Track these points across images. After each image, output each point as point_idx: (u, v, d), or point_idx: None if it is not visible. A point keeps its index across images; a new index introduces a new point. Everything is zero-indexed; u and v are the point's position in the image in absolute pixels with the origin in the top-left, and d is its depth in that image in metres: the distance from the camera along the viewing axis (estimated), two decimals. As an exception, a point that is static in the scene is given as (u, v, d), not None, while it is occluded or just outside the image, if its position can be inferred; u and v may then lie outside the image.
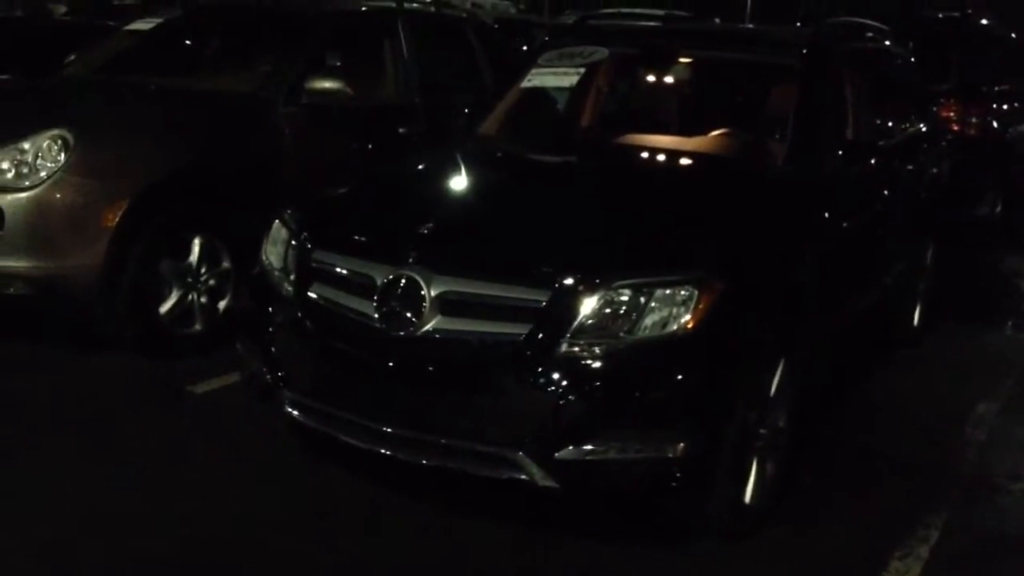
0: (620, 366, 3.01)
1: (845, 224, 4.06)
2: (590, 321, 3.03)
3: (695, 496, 3.20)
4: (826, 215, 3.92)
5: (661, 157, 4.16)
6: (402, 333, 3.17)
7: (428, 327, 3.14)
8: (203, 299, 5.04)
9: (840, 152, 4.01)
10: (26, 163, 4.54)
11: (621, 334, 3.02)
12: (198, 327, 5.03)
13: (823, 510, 3.71)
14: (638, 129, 4.53)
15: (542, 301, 3.05)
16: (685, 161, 4.16)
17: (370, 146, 5.79)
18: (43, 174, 4.51)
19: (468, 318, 3.14)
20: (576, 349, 3.01)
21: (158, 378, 4.65)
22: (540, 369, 3.02)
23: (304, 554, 3.23)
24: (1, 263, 4.50)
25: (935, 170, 5.73)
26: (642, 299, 3.03)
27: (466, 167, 4.10)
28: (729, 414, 3.13)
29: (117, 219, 4.60)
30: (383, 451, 3.23)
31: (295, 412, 3.47)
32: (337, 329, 3.35)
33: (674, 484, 3.07)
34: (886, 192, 4.65)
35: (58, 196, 4.52)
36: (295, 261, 3.54)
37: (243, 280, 5.01)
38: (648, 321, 3.03)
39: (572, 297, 3.03)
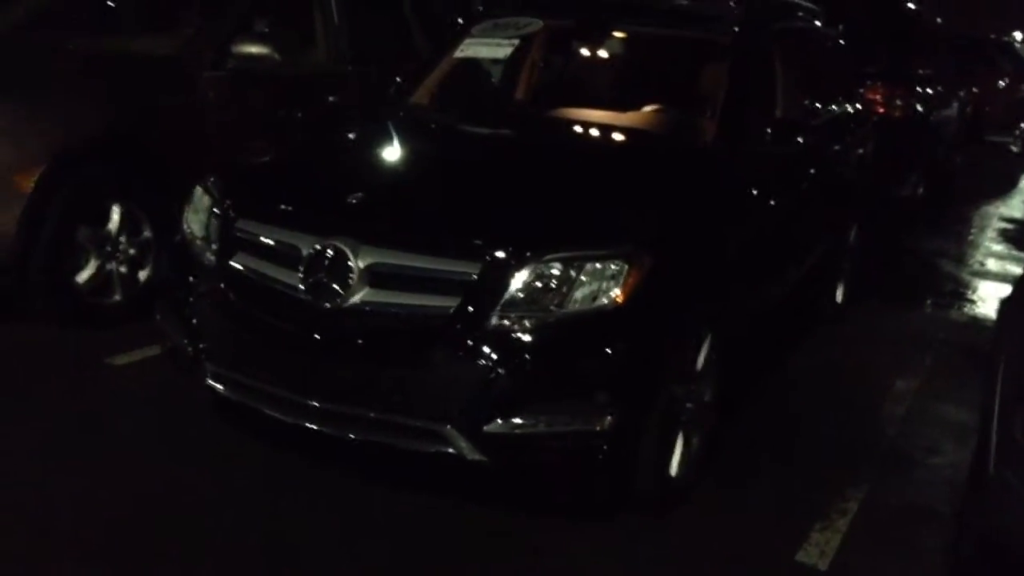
0: (549, 340, 2.99)
1: (772, 202, 4.09)
2: (520, 295, 3.00)
3: (622, 469, 3.21)
4: (754, 192, 3.94)
5: (593, 131, 4.13)
6: (328, 305, 3.11)
7: (355, 299, 3.09)
8: (122, 268, 4.90)
9: (769, 130, 4.03)
10: (-66, 124, 4.35)
11: (551, 308, 3.00)
12: (117, 297, 4.89)
13: (745, 484, 3.76)
14: (571, 103, 4.49)
15: (472, 274, 3.01)
16: (617, 136, 4.13)
17: (298, 114, 5.68)
18: (-49, 134, 4.33)
19: (396, 290, 3.09)
20: (506, 322, 2.99)
21: (74, 349, 4.52)
22: (469, 342, 2.98)
23: (229, 532, 3.16)
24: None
25: (861, 151, 5.80)
26: (572, 273, 3.01)
27: (397, 137, 4.02)
28: (656, 388, 3.14)
29: (32, 184, 4.44)
30: (309, 425, 3.17)
31: (218, 385, 3.39)
32: (261, 300, 3.27)
33: (601, 457, 3.06)
34: (813, 171, 4.69)
35: (-34, 159, 4.35)
36: (218, 230, 3.44)
37: (164, 249, 4.91)
38: (578, 295, 3.02)
39: (502, 270, 3.00)
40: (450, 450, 3.02)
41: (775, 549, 3.31)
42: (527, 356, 2.98)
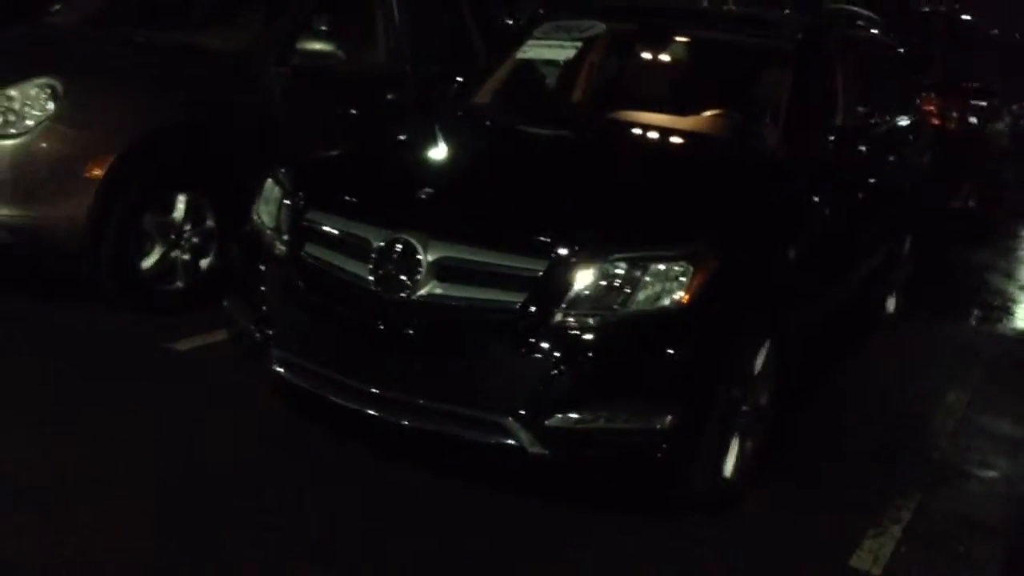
0: (613, 338, 3.05)
1: (833, 209, 4.11)
2: (585, 293, 3.06)
3: (679, 468, 3.25)
4: (815, 199, 3.97)
5: (655, 134, 4.18)
6: (396, 297, 3.18)
7: (423, 292, 3.16)
8: (186, 256, 5.02)
9: (831, 137, 4.05)
10: (13, 111, 4.48)
11: (615, 306, 3.06)
12: (180, 284, 5.01)
13: (797, 488, 3.78)
14: (631, 106, 4.53)
15: (539, 271, 3.07)
16: (680, 139, 4.18)
17: (355, 111, 5.78)
18: (30, 122, 4.45)
19: (464, 284, 3.16)
20: (570, 320, 3.04)
21: (139, 335, 4.62)
22: (534, 338, 3.04)
23: (297, 514, 3.23)
24: (-14, 210, 4.46)
25: (918, 161, 5.80)
26: (637, 273, 3.06)
27: (462, 135, 4.10)
28: (715, 390, 3.18)
29: (104, 172, 4.55)
30: (372, 413, 3.24)
31: (283, 370, 3.48)
32: (330, 290, 3.35)
33: (659, 455, 3.11)
34: (872, 180, 4.71)
35: (45, 145, 4.46)
36: (288, 220, 3.53)
37: (228, 239, 5.01)
38: (642, 295, 3.07)
39: (568, 268, 3.06)
40: (511, 442, 3.08)
41: (828, 553, 3.34)
42: (590, 353, 3.03)
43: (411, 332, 3.17)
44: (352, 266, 3.31)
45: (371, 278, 3.23)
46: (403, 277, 3.17)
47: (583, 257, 3.07)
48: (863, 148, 4.18)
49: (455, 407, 3.14)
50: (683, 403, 3.07)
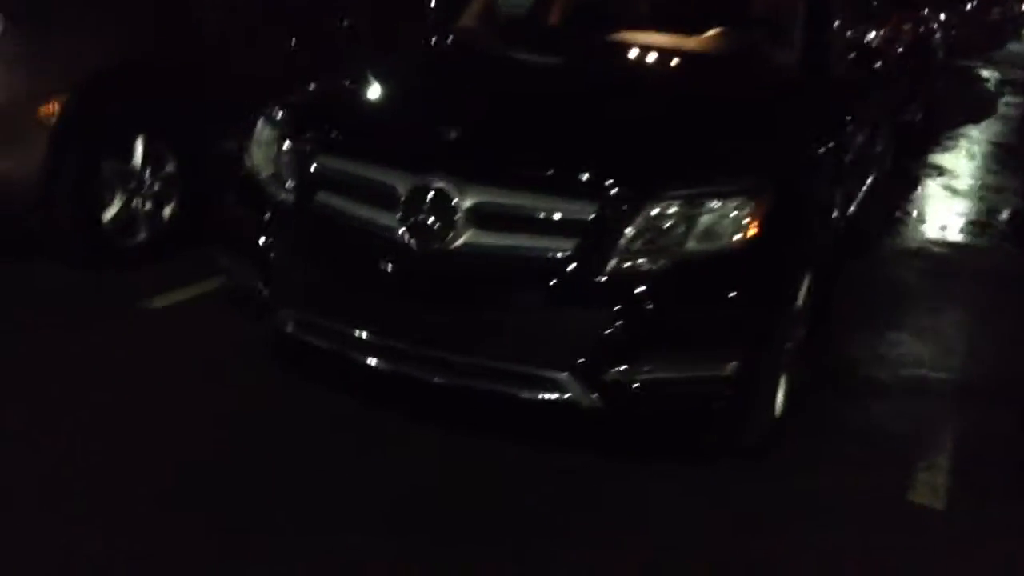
0: (671, 283, 2.83)
1: (852, 131, 3.94)
2: (641, 235, 2.83)
3: (739, 414, 3.09)
4: (841, 122, 3.79)
5: (675, 58, 3.92)
6: (431, 248, 2.90)
7: (460, 241, 2.89)
8: (148, 205, 4.62)
9: (852, 55, 3.86)
10: (-55, 47, 3.99)
11: (672, 249, 2.84)
12: (143, 236, 4.62)
13: (828, 427, 3.64)
14: (624, 25, 4.26)
15: (590, 214, 2.83)
16: (701, 62, 3.93)
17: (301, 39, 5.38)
18: (-35, 62, 3.98)
19: (505, 232, 2.89)
20: (626, 265, 2.82)
21: (107, 293, 4.24)
22: (587, 287, 2.81)
23: (296, 482, 2.97)
24: (-76, 165, 3.99)
25: (898, 77, 5.69)
26: (694, 211, 2.85)
27: (465, 67, 3.79)
28: (777, 330, 3.02)
29: (56, 115, 4.12)
30: (409, 373, 2.99)
31: (298, 330, 3.19)
32: (349, 241, 3.06)
33: (723, 403, 2.94)
34: (878, 98, 4.56)
35: (-13, 86, 4.00)
36: (293, 166, 3.20)
37: (192, 183, 4.64)
38: (699, 235, 2.85)
39: (622, 209, 2.82)
40: (566, 397, 2.87)
41: (885, 492, 3.22)
42: (648, 301, 2.81)
43: (449, 285, 2.91)
44: (376, 215, 3.01)
45: (400, 228, 2.94)
46: (438, 226, 2.89)
47: (637, 197, 2.83)
48: (878, 66, 4.00)
49: (502, 363, 2.90)
50: (746, 347, 2.89)
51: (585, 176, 2.90)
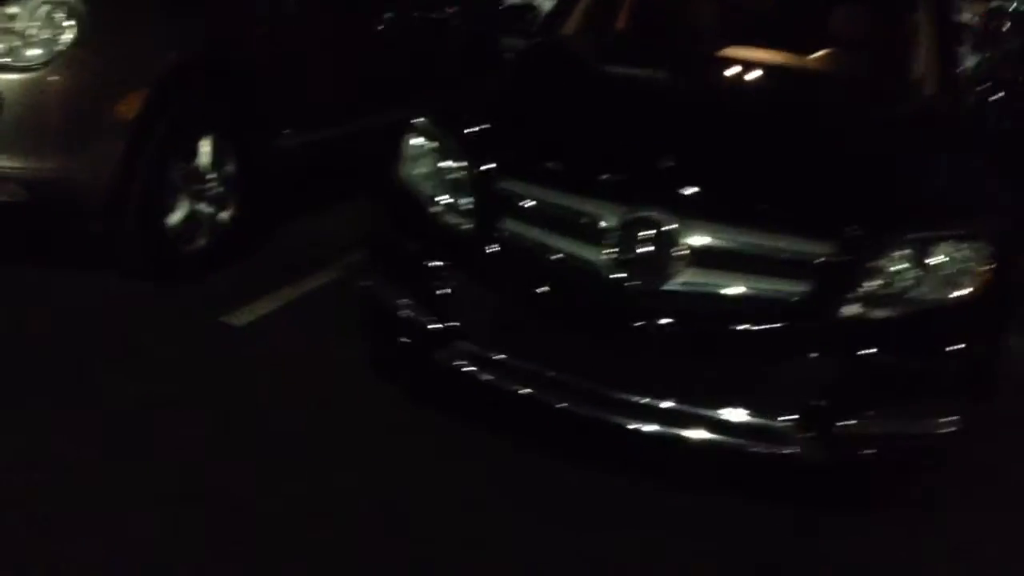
0: (907, 329, 2.69)
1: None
2: (877, 279, 2.68)
3: (943, 464, 2.99)
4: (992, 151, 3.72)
5: (831, 81, 3.78)
6: (646, 286, 2.70)
7: (678, 280, 2.69)
8: (210, 209, 4.25)
9: (987, 84, 3.80)
10: (17, 34, 3.54)
11: (908, 295, 2.70)
12: (202, 242, 4.24)
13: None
14: (733, 39, 4.09)
15: (823, 256, 2.67)
16: (856, 87, 3.80)
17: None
18: (39, 51, 3.53)
19: (728, 272, 2.70)
20: (861, 310, 2.67)
21: (181, 310, 3.87)
22: (820, 333, 2.66)
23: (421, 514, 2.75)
24: (-6, 162, 3.53)
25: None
26: (931, 255, 2.72)
27: (621, 82, 3.56)
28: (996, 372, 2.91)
29: (136, 111, 3.72)
30: (611, 419, 2.77)
31: (473, 368, 2.92)
32: (547, 276, 2.81)
33: (940, 456, 2.84)
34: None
35: (63, 79, 3.55)
36: (470, 189, 2.94)
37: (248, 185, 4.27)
38: (934, 280, 2.72)
39: (858, 252, 2.66)
40: (789, 450, 2.71)
41: None
42: (883, 348, 2.67)
43: (664, 328, 2.69)
44: (577, 248, 2.78)
45: (608, 264, 2.73)
46: (653, 264, 2.69)
47: (878, 239, 2.68)
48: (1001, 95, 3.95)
49: (716, 412, 2.73)
50: (975, 396, 2.79)
51: (823, 216, 2.73)
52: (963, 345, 2.76)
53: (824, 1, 4.31)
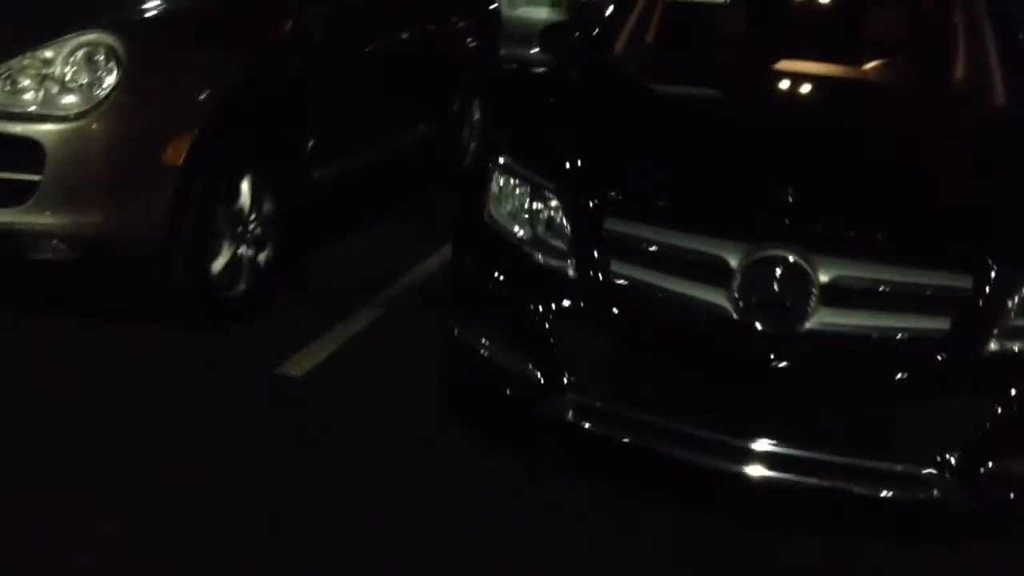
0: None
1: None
2: (1019, 311, 2.57)
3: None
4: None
5: (902, 93, 3.68)
6: (780, 329, 2.55)
7: (814, 321, 2.55)
8: (250, 252, 4.04)
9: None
10: (56, 80, 3.32)
11: None
12: (243, 286, 4.03)
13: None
14: (786, 53, 3.96)
15: (966, 289, 2.55)
16: (930, 99, 3.70)
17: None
18: (76, 98, 3.31)
19: (863, 310, 2.57)
20: (1007, 345, 2.55)
21: (234, 360, 3.66)
22: (965, 370, 2.53)
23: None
24: (39, 219, 3.30)
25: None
26: None
27: (705, 106, 3.44)
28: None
29: (184, 155, 3.51)
30: (745, 472, 2.62)
31: (586, 420, 2.77)
32: (665, 321, 2.66)
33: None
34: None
35: (106, 127, 3.35)
36: (571, 231, 2.77)
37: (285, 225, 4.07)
38: None
39: (999, 283, 2.54)
40: (933, 495, 2.58)
41: None
42: (1032, 384, 2.55)
43: (799, 373, 2.56)
44: (698, 291, 2.63)
45: (736, 306, 2.58)
46: (786, 305, 2.55)
47: (1015, 268, 2.57)
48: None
49: (860, 460, 2.59)
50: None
51: (959, 246, 2.62)
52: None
53: (871, 7, 4.20)
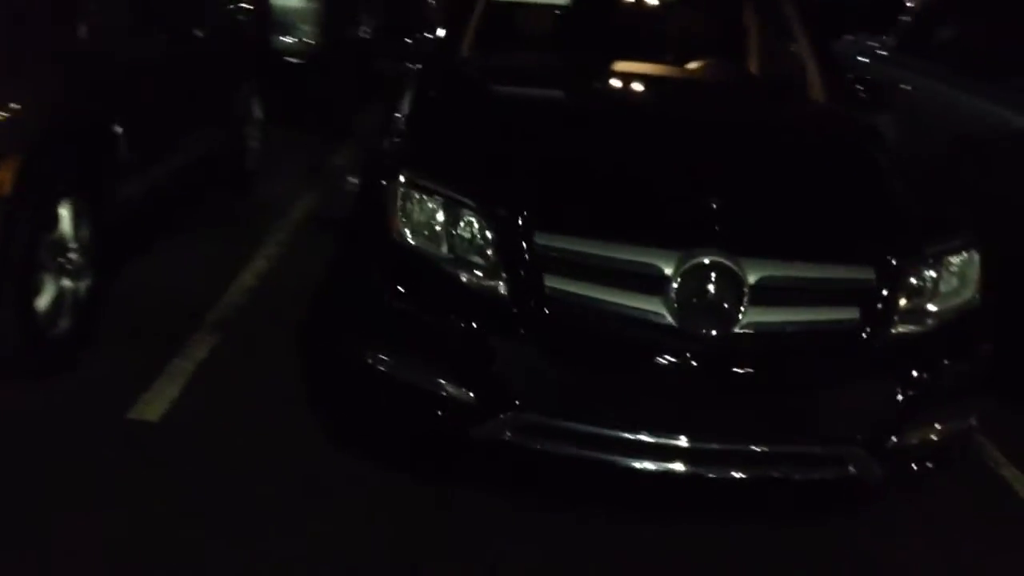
0: (938, 340, 2.85)
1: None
2: (912, 297, 2.83)
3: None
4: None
5: (751, 91, 3.92)
6: (716, 331, 2.64)
7: (746, 321, 2.66)
8: (71, 283, 3.61)
9: (860, 87, 4.06)
10: None
11: (931, 307, 2.87)
12: (66, 323, 3.60)
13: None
14: (617, 54, 4.10)
15: (868, 281, 2.76)
16: (773, 98, 3.93)
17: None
18: None
19: (786, 307, 2.72)
20: (904, 329, 2.79)
21: (67, 407, 3.29)
22: (875, 355, 2.74)
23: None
24: None
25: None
26: (943, 268, 2.91)
27: (598, 111, 3.51)
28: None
29: (11, 183, 3.06)
30: (685, 470, 2.69)
31: (521, 437, 2.72)
32: (603, 332, 2.66)
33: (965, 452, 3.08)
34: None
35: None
36: (500, 246, 2.72)
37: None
38: (945, 291, 2.91)
39: (895, 273, 2.78)
40: (850, 472, 2.79)
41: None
42: (926, 360, 2.80)
43: (736, 371, 2.66)
44: (633, 300, 2.65)
45: (672, 313, 2.64)
46: (721, 307, 2.64)
47: (906, 259, 2.81)
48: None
49: (793, 447, 2.75)
50: (986, 391, 3.02)
51: (864, 241, 2.83)
52: (983, 347, 2.97)
53: (681, 9, 4.44)
